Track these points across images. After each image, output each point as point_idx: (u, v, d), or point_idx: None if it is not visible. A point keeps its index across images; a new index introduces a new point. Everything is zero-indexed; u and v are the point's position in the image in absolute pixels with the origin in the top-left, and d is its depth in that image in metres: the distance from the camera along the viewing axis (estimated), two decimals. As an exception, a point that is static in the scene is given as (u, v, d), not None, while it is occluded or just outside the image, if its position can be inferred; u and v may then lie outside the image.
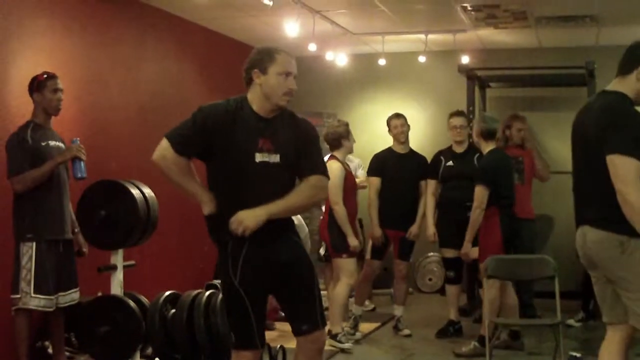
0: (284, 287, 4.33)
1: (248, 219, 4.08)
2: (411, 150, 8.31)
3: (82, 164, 6.09)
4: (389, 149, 8.29)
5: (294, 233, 4.41)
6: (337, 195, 7.40)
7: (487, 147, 7.34)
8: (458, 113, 8.29)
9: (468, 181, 7.62)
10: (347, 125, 7.74)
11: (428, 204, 8.10)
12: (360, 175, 9.11)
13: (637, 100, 4.49)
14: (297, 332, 4.39)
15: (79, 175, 6.09)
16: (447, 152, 8.14)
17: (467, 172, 7.81)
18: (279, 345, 6.41)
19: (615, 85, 4.51)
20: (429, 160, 8.32)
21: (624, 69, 4.47)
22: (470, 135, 8.20)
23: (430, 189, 8.12)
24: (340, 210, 7.44)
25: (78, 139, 6.16)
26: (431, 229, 8.07)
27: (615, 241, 4.31)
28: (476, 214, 7.15)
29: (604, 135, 4.31)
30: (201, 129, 4.25)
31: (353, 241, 7.46)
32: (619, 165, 4.23)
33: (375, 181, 8.09)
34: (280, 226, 4.28)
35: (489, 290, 6.88)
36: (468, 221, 7.49)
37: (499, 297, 7.06)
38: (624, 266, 4.31)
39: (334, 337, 7.41)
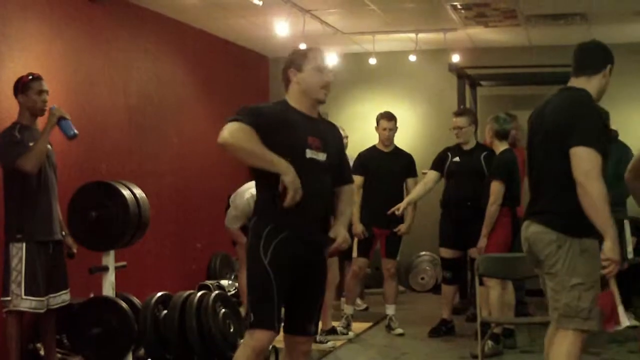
0: (301, 283, 4.39)
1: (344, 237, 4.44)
2: (396, 148, 8.29)
3: (69, 122, 6.04)
4: (373, 147, 8.30)
5: (326, 235, 4.48)
6: None
7: (500, 147, 7.44)
8: (460, 112, 8.20)
9: (473, 179, 7.64)
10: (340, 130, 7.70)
11: (415, 191, 8.03)
12: None
13: (599, 98, 4.62)
14: (293, 330, 4.46)
15: (71, 133, 6.03)
16: (455, 149, 8.05)
17: (473, 168, 7.76)
18: (271, 346, 6.39)
19: (579, 84, 4.59)
20: (415, 157, 8.32)
21: (589, 70, 4.57)
22: (476, 134, 8.20)
23: (425, 179, 8.08)
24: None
25: (54, 105, 6.11)
26: (402, 204, 7.89)
27: (553, 236, 4.43)
28: (493, 209, 7.17)
29: (569, 128, 4.39)
30: (256, 119, 4.26)
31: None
32: (583, 157, 4.31)
33: (358, 179, 7.89)
34: (322, 227, 4.45)
35: (493, 289, 7.06)
36: (468, 221, 7.53)
37: (502, 295, 7.11)
38: (557, 262, 4.42)
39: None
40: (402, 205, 7.92)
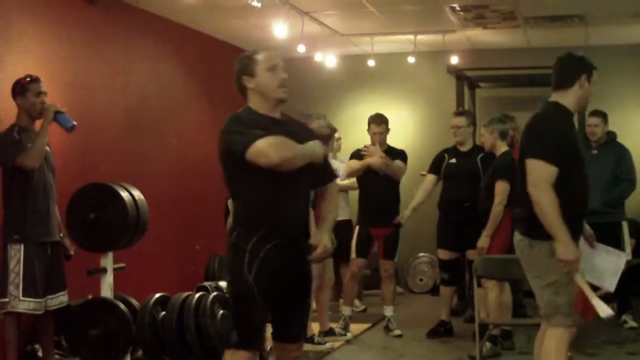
0: (287, 291, 4.30)
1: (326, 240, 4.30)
2: (389, 147, 8.25)
3: (66, 115, 6.05)
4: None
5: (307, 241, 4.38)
6: None
7: (502, 148, 7.44)
8: (459, 113, 8.24)
9: (469, 180, 7.66)
10: (332, 130, 7.69)
11: (417, 195, 8.11)
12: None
13: (580, 106, 4.97)
14: (283, 338, 4.39)
15: (70, 124, 6.04)
16: (452, 150, 8.06)
17: (469, 170, 7.77)
18: (269, 347, 6.39)
19: (556, 98, 4.89)
20: (414, 158, 8.35)
21: (564, 83, 4.87)
22: (473, 135, 8.22)
23: (425, 183, 8.10)
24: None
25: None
26: (407, 213, 8.06)
27: (527, 241, 4.82)
28: (498, 210, 7.16)
29: (528, 141, 4.80)
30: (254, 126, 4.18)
31: None
32: (533, 168, 4.67)
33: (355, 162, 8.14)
34: (305, 233, 4.36)
35: (491, 291, 7.08)
36: (465, 223, 7.55)
37: (500, 296, 7.11)
38: (533, 264, 4.83)
39: (309, 340, 7.36)
40: (406, 213, 8.02)
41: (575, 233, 4.73)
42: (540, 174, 4.63)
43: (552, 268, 4.67)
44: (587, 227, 5.13)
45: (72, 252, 6.38)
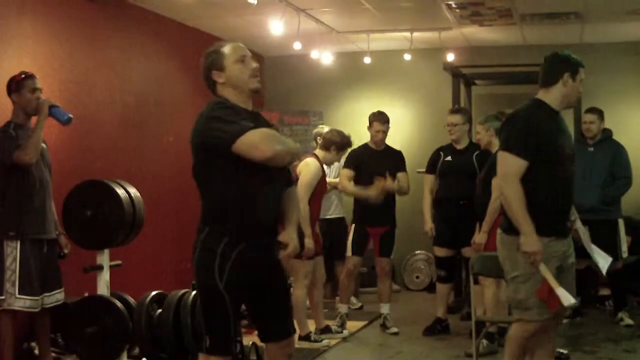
0: (262, 291, 4.21)
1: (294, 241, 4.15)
2: (387, 147, 8.26)
3: (60, 108, 6.04)
4: (365, 145, 8.29)
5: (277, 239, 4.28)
6: (305, 193, 7.21)
7: (497, 145, 7.39)
8: (455, 110, 8.23)
9: (465, 178, 7.65)
10: (347, 141, 7.71)
11: (425, 200, 8.07)
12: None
13: (565, 103, 5.06)
14: (269, 338, 4.31)
15: (65, 117, 6.03)
16: (447, 148, 8.05)
17: (465, 167, 7.75)
18: (251, 342, 6.38)
19: (540, 95, 5.03)
20: (410, 156, 8.34)
21: (548, 81, 4.98)
22: (470, 133, 8.22)
23: (427, 185, 8.08)
24: (304, 209, 7.10)
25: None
26: (428, 224, 8.01)
27: (501, 235, 5.05)
28: (496, 205, 7.09)
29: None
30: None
31: (309, 242, 7.17)
32: (502, 161, 4.89)
33: (348, 172, 8.10)
34: (275, 232, 4.23)
35: (488, 288, 7.08)
36: (461, 220, 7.55)
37: (497, 293, 7.11)
38: (503, 259, 5.04)
39: (306, 338, 7.38)
40: (427, 223, 8.01)
41: (554, 228, 4.85)
42: (508, 167, 4.80)
43: (519, 262, 4.83)
44: (581, 227, 5.18)
45: (66, 251, 6.36)
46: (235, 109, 4.10)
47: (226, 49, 4.23)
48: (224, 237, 4.04)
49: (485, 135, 7.50)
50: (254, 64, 4.23)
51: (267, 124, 4.25)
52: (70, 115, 6.08)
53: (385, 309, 8.29)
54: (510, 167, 4.79)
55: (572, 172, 4.98)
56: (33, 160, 5.85)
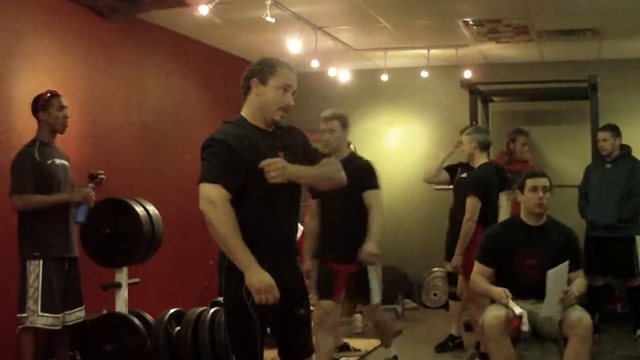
0: (287, 311, 4.15)
1: (286, 168, 3.96)
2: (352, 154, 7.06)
3: (86, 208, 6.11)
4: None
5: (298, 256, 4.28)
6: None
7: (481, 159, 7.33)
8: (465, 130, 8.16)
9: None
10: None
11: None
12: None
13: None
14: (289, 358, 4.26)
15: (79, 219, 6.10)
16: (465, 165, 8.02)
17: None
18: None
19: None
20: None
21: None
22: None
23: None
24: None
25: (95, 180, 6.25)
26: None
27: None
28: (468, 226, 7.06)
29: None
30: (230, 156, 4.01)
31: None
32: None
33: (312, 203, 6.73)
34: (294, 249, 4.23)
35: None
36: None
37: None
38: None
39: None
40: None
41: None
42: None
43: None
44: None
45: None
46: (234, 136, 4.07)
47: (279, 70, 4.15)
48: (252, 253, 3.95)
49: (469, 147, 7.42)
50: (290, 100, 4.16)
51: (289, 146, 4.20)
52: (85, 221, 6.13)
53: (392, 351, 7.11)
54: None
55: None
56: (20, 212, 5.89)
